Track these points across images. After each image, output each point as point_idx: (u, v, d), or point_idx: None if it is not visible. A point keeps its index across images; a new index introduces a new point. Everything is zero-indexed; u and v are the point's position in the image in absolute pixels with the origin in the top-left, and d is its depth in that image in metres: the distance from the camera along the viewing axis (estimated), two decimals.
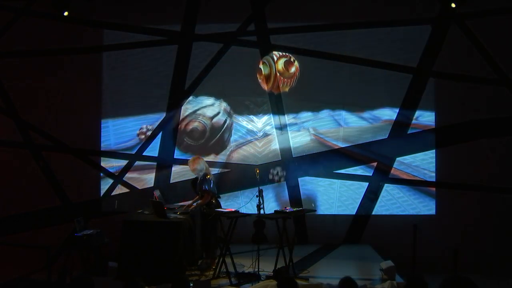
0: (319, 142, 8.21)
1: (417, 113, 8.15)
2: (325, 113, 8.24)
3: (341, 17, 8.21)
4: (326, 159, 8.19)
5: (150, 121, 8.32)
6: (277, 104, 8.25)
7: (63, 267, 6.02)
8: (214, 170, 8.01)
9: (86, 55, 8.35)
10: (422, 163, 8.15)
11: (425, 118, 8.16)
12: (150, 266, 6.00)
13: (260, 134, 8.31)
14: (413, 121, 8.16)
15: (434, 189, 8.13)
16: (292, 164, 8.07)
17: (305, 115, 8.25)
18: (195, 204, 6.72)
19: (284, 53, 8.27)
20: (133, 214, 7.06)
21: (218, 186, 6.94)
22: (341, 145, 8.18)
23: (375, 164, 8.16)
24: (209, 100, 8.34)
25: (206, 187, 6.53)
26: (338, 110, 8.22)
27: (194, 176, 6.98)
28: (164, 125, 8.31)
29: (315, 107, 8.24)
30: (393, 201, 8.19)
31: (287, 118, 8.24)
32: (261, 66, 8.28)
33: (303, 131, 8.24)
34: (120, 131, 8.37)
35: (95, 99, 8.32)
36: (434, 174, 8.11)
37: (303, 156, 8.22)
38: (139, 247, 6.11)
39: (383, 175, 8.15)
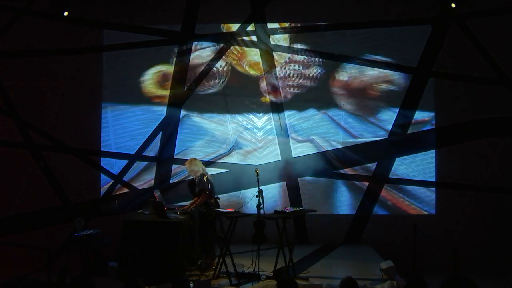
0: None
1: (420, 113, 8.15)
2: (324, 113, 8.25)
3: (341, 17, 8.22)
4: (326, 160, 8.21)
5: (150, 121, 8.34)
6: (277, 103, 8.25)
7: (63, 267, 6.02)
8: (214, 170, 8.03)
9: (86, 55, 8.36)
10: (421, 163, 8.16)
11: (425, 118, 8.16)
12: (150, 266, 5.99)
13: (260, 133, 8.31)
14: (414, 121, 8.16)
15: (434, 189, 8.14)
16: None
17: (304, 115, 8.25)
18: (193, 205, 6.72)
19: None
20: (133, 214, 7.06)
21: (217, 186, 6.93)
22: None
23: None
24: None
25: (203, 186, 6.53)
26: (338, 109, 8.23)
27: (191, 177, 6.99)
28: (164, 125, 8.33)
29: (315, 107, 8.25)
30: (393, 201, 8.19)
31: (287, 118, 8.25)
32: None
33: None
34: (120, 131, 8.38)
35: (95, 99, 8.32)
36: (434, 175, 8.12)
37: (303, 156, 8.23)
38: (139, 247, 6.11)
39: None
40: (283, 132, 8.22)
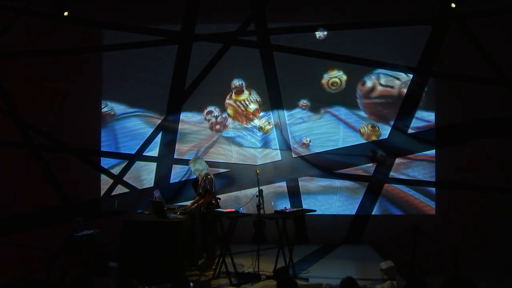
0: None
1: (420, 113, 8.15)
2: (324, 112, 8.25)
3: (341, 17, 8.22)
4: (326, 159, 8.21)
5: (149, 121, 8.36)
6: (276, 103, 8.25)
7: (63, 267, 6.02)
8: (214, 170, 8.02)
9: (86, 55, 8.36)
10: (421, 163, 8.15)
11: (425, 118, 8.16)
12: (150, 266, 5.99)
13: (260, 133, 8.31)
14: (414, 121, 8.16)
15: (434, 189, 8.14)
16: None
17: (304, 115, 8.25)
18: (195, 204, 6.72)
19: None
20: (133, 214, 7.06)
21: (217, 186, 6.94)
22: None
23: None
24: None
25: (208, 187, 6.54)
26: (338, 107, 8.23)
27: (194, 177, 6.99)
28: (164, 125, 8.33)
29: (315, 107, 8.25)
30: (393, 201, 8.19)
31: (287, 117, 8.26)
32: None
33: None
34: (120, 131, 8.38)
35: (95, 99, 8.32)
36: (434, 175, 8.12)
37: (303, 156, 8.23)
38: (139, 247, 6.11)
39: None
40: (283, 133, 8.22)
